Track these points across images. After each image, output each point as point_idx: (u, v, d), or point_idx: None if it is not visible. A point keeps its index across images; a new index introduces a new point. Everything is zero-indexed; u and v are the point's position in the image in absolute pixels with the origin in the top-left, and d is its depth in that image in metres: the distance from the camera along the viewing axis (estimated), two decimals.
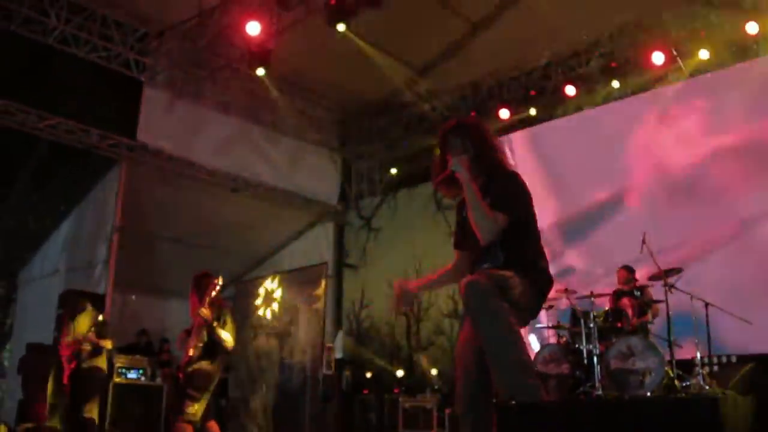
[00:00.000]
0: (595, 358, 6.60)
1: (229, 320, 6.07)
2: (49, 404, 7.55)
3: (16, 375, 9.24)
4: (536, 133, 10.26)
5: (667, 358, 6.36)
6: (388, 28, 9.27)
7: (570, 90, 9.58)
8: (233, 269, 11.80)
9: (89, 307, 7.01)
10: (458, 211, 3.42)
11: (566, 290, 7.44)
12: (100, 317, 7.04)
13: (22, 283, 12.39)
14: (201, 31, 9.09)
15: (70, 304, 7.46)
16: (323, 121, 11.90)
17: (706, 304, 6.71)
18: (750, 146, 8.12)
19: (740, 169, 8.17)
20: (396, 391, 9.96)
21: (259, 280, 10.82)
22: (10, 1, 8.21)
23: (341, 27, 8.00)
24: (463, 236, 3.33)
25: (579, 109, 9.88)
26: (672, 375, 6.20)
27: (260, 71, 8.78)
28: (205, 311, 5.92)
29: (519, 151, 10.22)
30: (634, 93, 9.32)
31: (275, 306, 10.13)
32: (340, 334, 11.92)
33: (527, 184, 3.21)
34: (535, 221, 3.20)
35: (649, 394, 6.03)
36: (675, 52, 8.69)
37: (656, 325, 7.10)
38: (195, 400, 5.81)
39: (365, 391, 10.31)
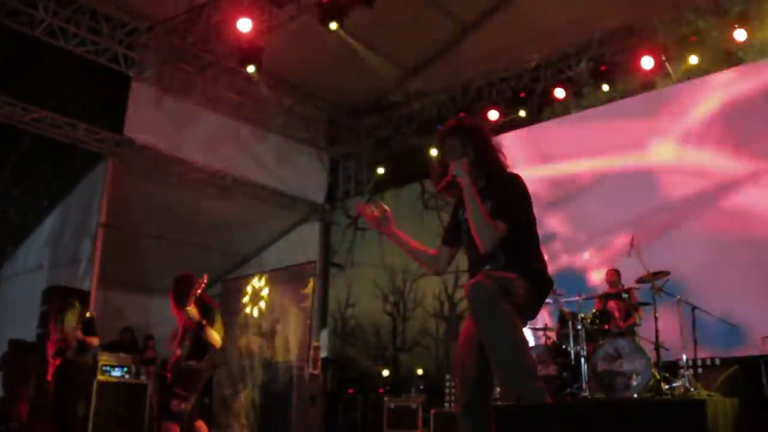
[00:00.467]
0: (582, 360, 6.63)
1: (217, 319, 6.04)
2: (32, 403, 7.47)
3: None
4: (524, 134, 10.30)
5: (654, 360, 6.41)
6: (378, 27, 9.27)
7: (559, 92, 9.62)
8: (219, 267, 11.74)
9: (77, 304, 6.93)
10: (455, 208, 3.40)
11: (554, 292, 7.47)
12: (87, 314, 6.96)
13: (4, 278, 12.23)
14: (190, 26, 9.03)
15: (57, 300, 7.38)
16: (311, 120, 11.86)
17: (693, 308, 6.77)
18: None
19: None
20: (381, 390, 9.95)
21: (246, 279, 10.77)
22: None
23: (333, 26, 7.98)
24: (457, 235, 3.33)
25: (567, 111, 9.95)
26: (658, 377, 6.25)
27: (250, 68, 8.75)
28: (192, 310, 5.88)
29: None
30: (622, 97, 9.40)
31: (262, 304, 10.09)
32: (325, 333, 11.92)
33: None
34: (534, 223, 3.20)
35: (635, 395, 6.07)
36: (663, 57, 8.77)
37: (642, 327, 7.16)
38: (183, 399, 5.77)
39: (350, 391, 10.29)
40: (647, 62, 8.71)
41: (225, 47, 9.20)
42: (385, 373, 10.75)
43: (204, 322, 5.87)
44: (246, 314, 10.22)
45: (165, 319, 8.82)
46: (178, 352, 5.87)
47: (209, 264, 9.77)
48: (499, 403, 3.12)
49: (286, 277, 10.12)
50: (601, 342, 6.57)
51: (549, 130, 10.06)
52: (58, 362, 6.66)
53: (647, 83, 9.16)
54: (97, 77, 9.27)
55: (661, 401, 5.96)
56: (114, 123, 9.43)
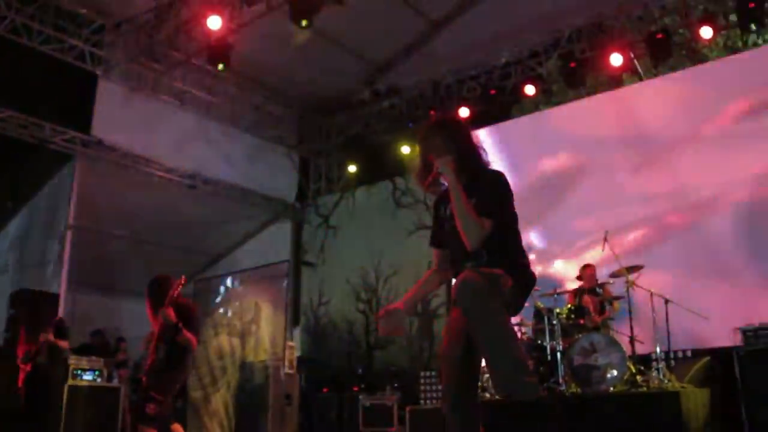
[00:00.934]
0: (558, 355, 6.70)
1: (193, 320, 5.96)
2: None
3: None
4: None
5: (629, 353, 6.50)
6: (348, 24, 9.25)
7: (529, 89, 9.69)
8: (190, 267, 11.59)
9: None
10: (436, 207, 3.38)
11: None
12: (58, 317, 6.83)
13: None
14: (159, 24, 8.90)
15: (25, 303, 7.22)
16: (281, 118, 11.79)
17: (666, 301, 6.88)
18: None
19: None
20: (355, 389, 9.92)
21: (219, 278, 10.67)
22: None
23: (304, 23, 7.93)
24: (443, 234, 3.31)
25: (537, 108, 10.03)
26: (634, 370, 6.34)
27: (220, 66, 8.65)
28: (168, 312, 5.79)
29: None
30: (590, 94, 9.51)
31: (236, 304, 10.00)
32: (297, 332, 11.87)
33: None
34: (517, 220, 3.21)
35: (612, 389, 6.16)
36: (632, 54, 8.90)
37: (617, 321, 7.27)
38: (159, 402, 5.68)
39: (325, 390, 10.25)
40: (616, 59, 8.82)
41: (194, 45, 9.09)
42: (360, 371, 10.73)
43: (180, 324, 5.79)
44: (219, 314, 10.11)
45: (136, 321, 8.69)
46: (154, 355, 5.79)
47: (180, 264, 9.67)
48: (488, 397, 3.14)
49: (259, 276, 10.03)
50: (576, 336, 6.65)
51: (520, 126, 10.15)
52: (28, 368, 6.52)
53: (616, 80, 9.30)
54: (64, 76, 9.07)
55: (639, 393, 6.07)
56: (81, 123, 9.26)
